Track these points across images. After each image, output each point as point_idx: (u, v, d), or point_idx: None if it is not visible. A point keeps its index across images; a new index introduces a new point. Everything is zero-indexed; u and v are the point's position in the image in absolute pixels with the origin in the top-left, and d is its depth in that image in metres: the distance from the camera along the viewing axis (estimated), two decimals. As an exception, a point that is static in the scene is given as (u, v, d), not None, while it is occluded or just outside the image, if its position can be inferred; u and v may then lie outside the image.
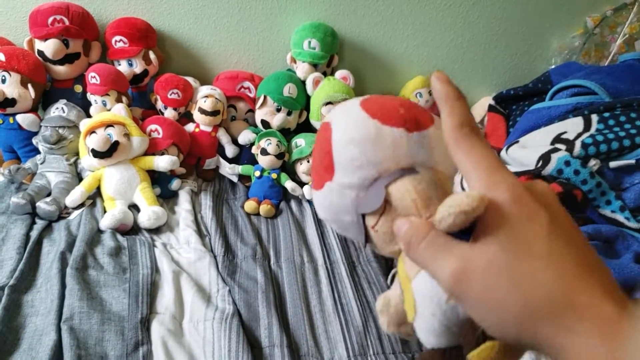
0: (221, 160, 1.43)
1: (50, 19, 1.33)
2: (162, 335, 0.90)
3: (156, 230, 1.21)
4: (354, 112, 0.41)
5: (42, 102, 1.39)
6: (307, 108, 1.51)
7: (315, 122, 1.48)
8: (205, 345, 0.91)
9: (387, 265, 1.17)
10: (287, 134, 1.46)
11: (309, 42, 1.46)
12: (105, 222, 1.15)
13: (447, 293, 0.35)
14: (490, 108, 1.56)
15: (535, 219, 0.32)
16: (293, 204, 1.37)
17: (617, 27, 1.62)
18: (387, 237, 0.40)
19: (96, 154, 1.21)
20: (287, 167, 1.42)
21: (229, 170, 1.40)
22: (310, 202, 1.35)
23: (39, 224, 1.14)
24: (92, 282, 0.98)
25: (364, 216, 0.41)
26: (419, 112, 0.42)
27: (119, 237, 1.14)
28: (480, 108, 1.65)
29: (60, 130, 1.29)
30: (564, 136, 1.22)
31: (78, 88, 1.39)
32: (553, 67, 1.55)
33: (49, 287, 0.96)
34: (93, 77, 1.33)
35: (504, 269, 0.32)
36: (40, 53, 1.34)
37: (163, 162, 1.27)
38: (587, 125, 1.22)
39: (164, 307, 0.97)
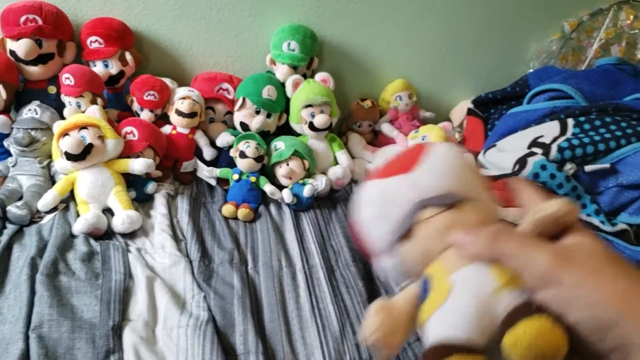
0: (199, 163, 1.41)
1: (23, 18, 1.30)
2: (134, 342, 0.88)
3: (131, 235, 1.18)
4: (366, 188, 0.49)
5: (15, 104, 1.36)
6: (287, 110, 1.49)
7: (295, 125, 1.46)
8: (179, 352, 0.89)
9: (366, 269, 1.16)
10: (266, 136, 1.45)
11: (289, 44, 1.45)
12: (78, 227, 1.12)
13: (540, 280, 0.35)
14: (469, 112, 1.57)
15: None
16: (272, 207, 1.35)
17: (593, 31, 1.64)
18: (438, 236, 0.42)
19: (69, 156, 1.18)
20: (267, 170, 1.41)
21: (206, 173, 1.38)
22: (289, 205, 1.33)
23: (10, 228, 1.11)
24: (63, 289, 0.96)
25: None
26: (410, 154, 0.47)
27: (92, 242, 1.11)
28: (459, 112, 1.65)
29: (33, 133, 1.26)
30: (540, 140, 1.22)
31: (52, 89, 1.36)
32: (531, 71, 1.56)
33: (18, 294, 0.93)
34: (67, 78, 1.30)
35: (608, 256, 0.36)
36: (12, 53, 1.31)
37: (138, 165, 1.24)
38: (564, 129, 1.23)
39: (137, 314, 0.95)
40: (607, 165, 1.17)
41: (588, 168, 1.18)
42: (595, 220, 1.16)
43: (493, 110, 1.55)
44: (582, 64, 1.67)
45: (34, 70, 1.33)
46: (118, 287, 0.99)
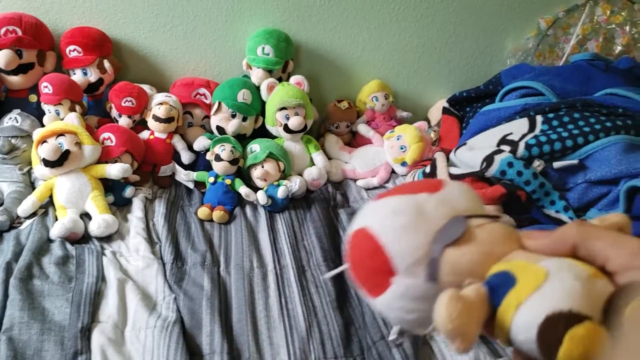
0: (177, 167, 1.44)
1: (3, 30, 1.34)
2: (102, 344, 0.91)
3: (107, 239, 1.21)
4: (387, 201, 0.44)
5: (-2, 112, 1.40)
6: (263, 113, 1.52)
7: (270, 128, 1.49)
8: (145, 353, 0.92)
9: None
10: (243, 139, 1.48)
11: (263, 48, 1.48)
12: (55, 231, 1.15)
13: (635, 255, 0.35)
14: (445, 110, 1.58)
15: None
16: (248, 209, 1.38)
17: (569, 28, 1.65)
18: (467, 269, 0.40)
19: (47, 163, 1.22)
20: (243, 172, 1.44)
21: (184, 177, 1.41)
22: (264, 207, 1.36)
23: (-11, 234, 1.15)
24: (36, 292, 0.99)
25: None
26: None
27: (68, 246, 1.14)
28: (436, 111, 1.66)
29: (13, 140, 1.30)
30: (509, 137, 1.24)
31: (33, 98, 1.40)
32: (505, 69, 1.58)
33: (-8, 298, 0.97)
34: (45, 87, 1.33)
35: None
36: (-6, 63, 1.34)
37: (115, 170, 1.28)
38: (532, 126, 1.24)
39: (107, 316, 0.98)
40: (575, 162, 1.18)
41: (556, 165, 1.19)
42: (564, 217, 1.18)
43: (469, 109, 1.57)
44: (560, 61, 1.68)
45: (15, 80, 1.37)
46: (89, 289, 1.02)
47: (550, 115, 1.25)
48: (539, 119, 1.25)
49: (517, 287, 0.38)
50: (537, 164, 1.20)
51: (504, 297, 0.38)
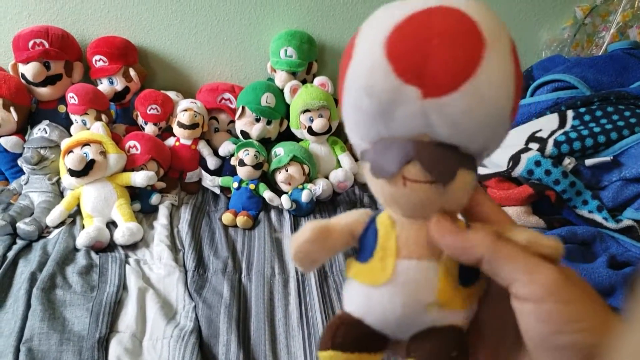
0: (203, 172, 1.44)
1: (31, 43, 1.37)
2: (119, 354, 0.91)
3: (132, 247, 1.22)
4: (376, 56, 0.30)
5: (30, 124, 1.43)
6: (288, 116, 1.50)
7: (295, 130, 1.47)
8: (160, 363, 0.92)
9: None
10: (268, 143, 1.46)
11: (285, 51, 1.46)
12: (81, 241, 1.17)
13: (545, 291, 0.31)
14: (475, 107, 1.53)
15: None
16: (273, 214, 1.36)
17: (608, 15, 1.56)
18: (418, 203, 0.34)
19: (73, 172, 1.24)
20: (268, 176, 1.42)
21: (209, 182, 1.41)
22: (289, 211, 1.34)
23: (19, 244, 1.17)
24: (57, 302, 1.00)
25: None
26: (453, 61, 0.29)
27: (93, 255, 1.15)
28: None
29: (42, 151, 1.32)
30: (538, 134, 1.18)
31: (62, 108, 1.43)
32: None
33: (16, 308, 0.98)
34: (72, 97, 1.36)
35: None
36: (23, 76, 1.38)
37: (139, 178, 1.29)
38: (562, 122, 1.18)
39: (125, 326, 0.98)
40: (608, 159, 1.11)
41: (588, 162, 1.12)
42: (598, 217, 1.11)
43: (500, 105, 1.51)
44: (599, 50, 1.59)
45: (44, 91, 1.40)
46: (109, 299, 1.02)
47: (582, 109, 1.18)
48: (570, 113, 1.19)
49: (365, 267, 0.36)
50: (568, 162, 1.13)
51: (358, 259, 0.37)
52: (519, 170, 1.13)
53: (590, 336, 0.31)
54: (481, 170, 1.22)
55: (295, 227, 1.31)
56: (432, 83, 0.29)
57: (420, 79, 0.29)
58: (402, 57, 0.30)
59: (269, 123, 1.45)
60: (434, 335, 0.35)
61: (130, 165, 1.33)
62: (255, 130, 1.42)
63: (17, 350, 0.89)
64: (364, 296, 0.35)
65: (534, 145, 1.16)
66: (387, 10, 0.32)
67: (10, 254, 1.13)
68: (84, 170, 1.24)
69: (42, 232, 1.22)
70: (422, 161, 0.32)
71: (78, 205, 1.29)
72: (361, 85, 0.31)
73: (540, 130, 1.20)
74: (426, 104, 0.30)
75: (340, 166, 1.47)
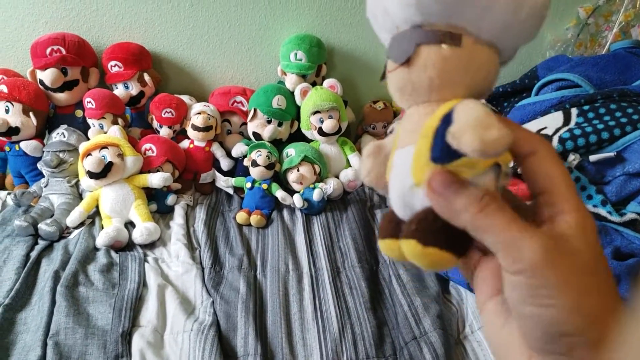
0: (217, 173, 1.48)
1: (48, 50, 1.41)
2: (141, 347, 0.95)
3: (150, 246, 1.26)
4: None
5: (48, 128, 1.47)
6: (298, 118, 1.54)
7: (306, 131, 1.51)
8: (182, 356, 0.95)
9: (372, 270, 1.19)
10: (279, 144, 1.50)
11: (295, 54, 1.50)
12: (100, 240, 1.21)
13: (521, 270, 0.31)
14: (482, 107, 1.56)
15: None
16: (285, 212, 1.40)
17: (611, 15, 1.59)
18: (400, 89, 0.36)
19: (91, 175, 1.28)
20: (280, 176, 1.46)
21: (223, 183, 1.45)
22: (301, 210, 1.38)
23: (41, 244, 1.21)
24: (81, 299, 1.04)
25: None
26: None
27: (113, 253, 1.19)
28: (475, 107, 1.64)
29: (61, 154, 1.36)
30: (543, 132, 1.21)
31: (79, 113, 1.47)
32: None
33: (41, 305, 1.02)
34: (89, 102, 1.40)
35: (599, 254, 0.32)
36: (42, 82, 1.42)
37: (156, 179, 1.33)
38: (567, 120, 1.21)
39: (147, 320, 1.02)
40: (612, 154, 1.14)
41: (592, 158, 1.15)
42: (603, 211, 1.14)
43: (506, 104, 1.54)
44: (603, 49, 1.62)
45: (62, 97, 1.44)
46: (131, 295, 1.06)
47: (586, 107, 1.21)
48: (574, 111, 1.22)
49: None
50: (572, 158, 1.16)
51: None
52: (524, 167, 1.15)
53: (558, 314, 0.31)
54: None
55: (307, 225, 1.34)
56: None
57: None
58: None
59: (280, 124, 1.49)
60: (424, 213, 0.35)
61: (147, 167, 1.37)
62: (267, 131, 1.45)
63: (45, 344, 0.93)
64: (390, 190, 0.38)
65: (540, 143, 1.19)
66: None
67: (34, 254, 1.17)
68: (103, 173, 1.28)
69: (63, 232, 1.26)
70: (389, 51, 0.36)
71: (97, 207, 1.33)
72: None
73: (545, 127, 1.23)
74: None
75: (350, 166, 1.50)
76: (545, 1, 0.34)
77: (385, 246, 0.38)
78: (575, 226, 0.32)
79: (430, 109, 0.34)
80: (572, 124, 1.20)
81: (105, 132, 1.39)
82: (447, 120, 0.32)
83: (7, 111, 1.35)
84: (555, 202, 0.33)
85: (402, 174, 0.35)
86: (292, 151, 1.43)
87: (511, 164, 0.35)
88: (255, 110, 1.47)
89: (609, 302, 0.32)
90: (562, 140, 1.16)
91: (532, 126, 1.26)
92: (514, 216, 0.32)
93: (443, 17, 0.33)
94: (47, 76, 1.39)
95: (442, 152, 0.32)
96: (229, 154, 1.53)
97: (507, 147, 0.29)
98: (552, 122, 1.23)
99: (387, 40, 0.38)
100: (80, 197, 1.38)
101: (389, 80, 0.37)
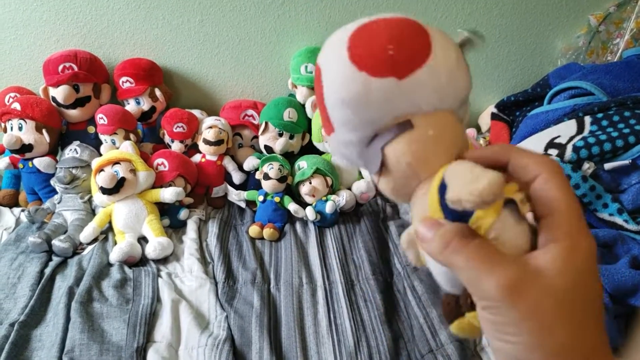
0: (229, 187, 1.48)
1: (61, 67, 1.42)
2: (156, 363, 0.95)
3: (163, 260, 1.26)
4: (341, 65, 0.37)
5: (61, 145, 1.48)
6: (309, 130, 1.54)
7: (317, 144, 1.51)
8: (197, 371, 0.95)
9: (386, 282, 1.18)
10: (291, 157, 1.50)
11: (306, 67, 1.50)
12: (114, 256, 1.21)
13: (484, 304, 0.33)
14: (493, 116, 1.55)
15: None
16: (298, 226, 1.39)
17: (622, 22, 1.58)
18: (393, 194, 0.40)
19: (104, 190, 1.28)
20: (292, 189, 1.46)
21: (235, 196, 1.45)
22: (314, 222, 1.37)
23: (55, 260, 1.21)
24: (96, 315, 1.04)
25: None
26: (412, 44, 0.36)
27: (126, 269, 1.19)
28: (487, 117, 1.63)
29: (74, 171, 1.37)
30: (557, 140, 1.20)
31: (91, 129, 1.47)
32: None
33: (56, 321, 1.02)
34: (101, 118, 1.40)
35: (584, 287, 0.32)
36: (54, 99, 1.43)
37: (168, 194, 1.33)
38: (580, 128, 1.20)
39: (161, 336, 1.01)
40: (627, 162, 1.13)
41: (607, 166, 1.14)
42: (619, 220, 1.13)
43: (518, 113, 1.53)
44: (614, 57, 1.61)
45: (74, 113, 1.45)
46: (145, 311, 1.06)
47: (599, 115, 1.20)
48: (588, 119, 1.21)
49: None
50: (587, 167, 1.15)
51: None
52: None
53: (520, 351, 0.32)
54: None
55: (320, 238, 1.33)
56: (403, 67, 0.36)
57: (391, 67, 0.36)
58: (366, 56, 0.36)
59: (291, 137, 1.48)
60: None
61: (159, 182, 1.37)
62: (278, 144, 1.45)
63: (60, 361, 0.93)
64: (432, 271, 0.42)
65: (553, 151, 1.18)
66: (339, 30, 0.39)
67: (48, 270, 1.17)
68: (115, 188, 1.28)
69: (77, 248, 1.26)
70: (369, 170, 0.41)
71: (110, 222, 1.33)
72: (340, 95, 0.37)
73: (558, 136, 1.22)
74: (404, 84, 0.36)
75: (362, 177, 1.50)
76: (457, 56, 0.37)
77: (457, 329, 0.41)
78: (557, 257, 0.32)
79: (425, 188, 0.37)
80: (585, 132, 1.19)
81: (118, 148, 1.40)
82: (443, 190, 0.34)
83: (20, 128, 1.36)
84: (550, 227, 0.34)
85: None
86: (304, 164, 1.43)
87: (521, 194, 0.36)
88: (266, 123, 1.47)
89: (585, 336, 0.32)
90: (576, 149, 1.15)
91: (545, 135, 1.25)
92: (486, 251, 0.33)
93: (383, 118, 0.37)
94: (59, 93, 1.40)
95: (455, 218, 0.35)
96: (240, 167, 1.53)
97: (501, 186, 0.31)
98: (565, 130, 1.22)
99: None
100: (93, 213, 1.38)
101: (382, 190, 0.41)
